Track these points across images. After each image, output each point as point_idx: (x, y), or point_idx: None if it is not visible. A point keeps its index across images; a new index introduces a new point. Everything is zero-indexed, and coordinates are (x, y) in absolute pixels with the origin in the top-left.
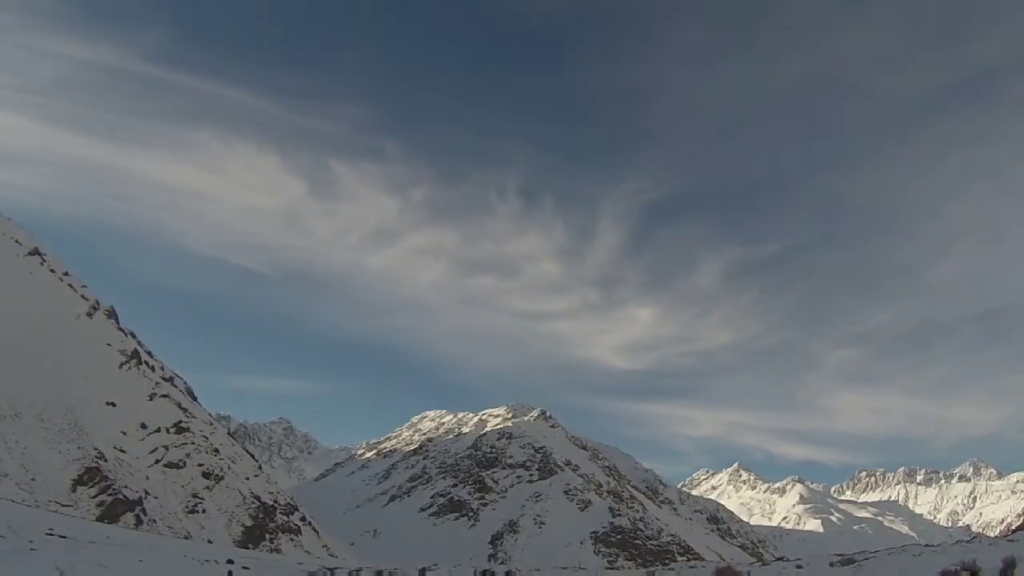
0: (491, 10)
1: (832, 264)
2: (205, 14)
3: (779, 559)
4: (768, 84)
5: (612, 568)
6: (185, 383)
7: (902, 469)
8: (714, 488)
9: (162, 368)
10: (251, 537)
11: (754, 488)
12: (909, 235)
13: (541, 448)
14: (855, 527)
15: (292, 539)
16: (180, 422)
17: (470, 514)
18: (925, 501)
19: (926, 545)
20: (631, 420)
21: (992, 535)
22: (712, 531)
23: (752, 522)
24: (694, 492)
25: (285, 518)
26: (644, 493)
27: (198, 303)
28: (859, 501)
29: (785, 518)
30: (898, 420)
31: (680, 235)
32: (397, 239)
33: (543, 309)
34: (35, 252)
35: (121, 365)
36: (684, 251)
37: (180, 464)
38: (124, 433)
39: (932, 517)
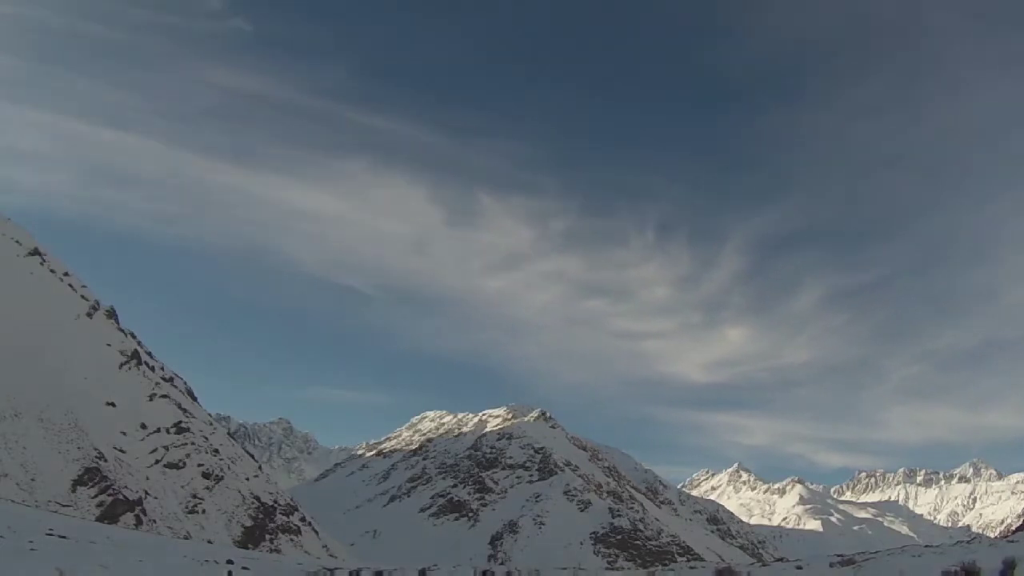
0: (657, 61)
1: (920, 289)
2: (384, 52)
3: (779, 560)
4: (910, 133)
5: (612, 569)
6: (185, 383)
7: (902, 470)
8: (714, 489)
9: (162, 368)
10: (251, 537)
11: (754, 489)
12: (996, 263)
13: (541, 449)
14: (855, 528)
15: (292, 539)
16: (180, 422)
17: (470, 514)
18: (925, 502)
19: (926, 546)
20: (690, 428)
21: (992, 536)
22: (712, 532)
23: (752, 523)
24: (694, 493)
25: (285, 518)
26: (644, 494)
27: (291, 318)
28: (859, 502)
29: (785, 519)
30: (935, 429)
31: (791, 264)
32: (522, 264)
33: (643, 329)
34: (35, 252)
35: (121, 365)
36: (791, 278)
37: (180, 464)
38: (124, 433)
39: (932, 518)
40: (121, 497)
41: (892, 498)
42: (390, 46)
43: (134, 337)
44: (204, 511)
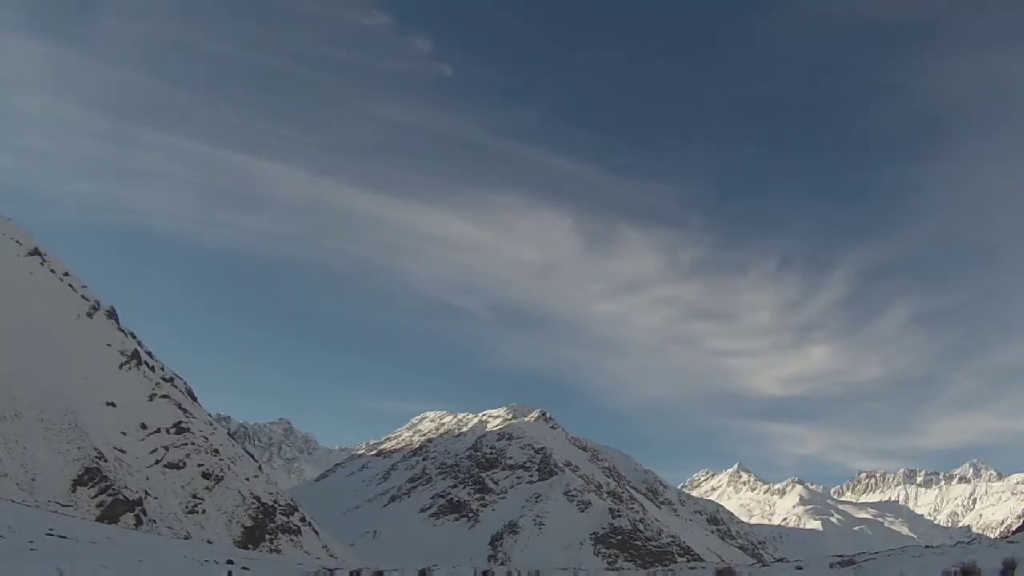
0: (803, 114)
1: (993, 311)
2: (564, 96)
3: (779, 560)
4: (1019, 174)
5: (612, 569)
6: (185, 383)
7: (902, 470)
8: (714, 489)
9: (162, 368)
10: (251, 538)
11: (754, 489)
12: None
13: (541, 449)
14: (855, 528)
15: (292, 540)
16: (180, 422)
17: (470, 515)
18: (925, 502)
19: (926, 546)
20: (748, 437)
21: (992, 536)
22: (712, 532)
23: (752, 523)
24: (694, 493)
25: (285, 519)
26: (644, 494)
27: (390, 335)
28: (859, 502)
29: (785, 519)
30: (969, 435)
31: (884, 289)
32: (643, 290)
33: (736, 348)
34: (35, 252)
35: (121, 365)
36: (881, 302)
37: (180, 464)
38: (124, 433)
39: (932, 518)
40: (121, 497)
41: (892, 499)
42: (571, 91)
43: (134, 337)
44: (204, 511)
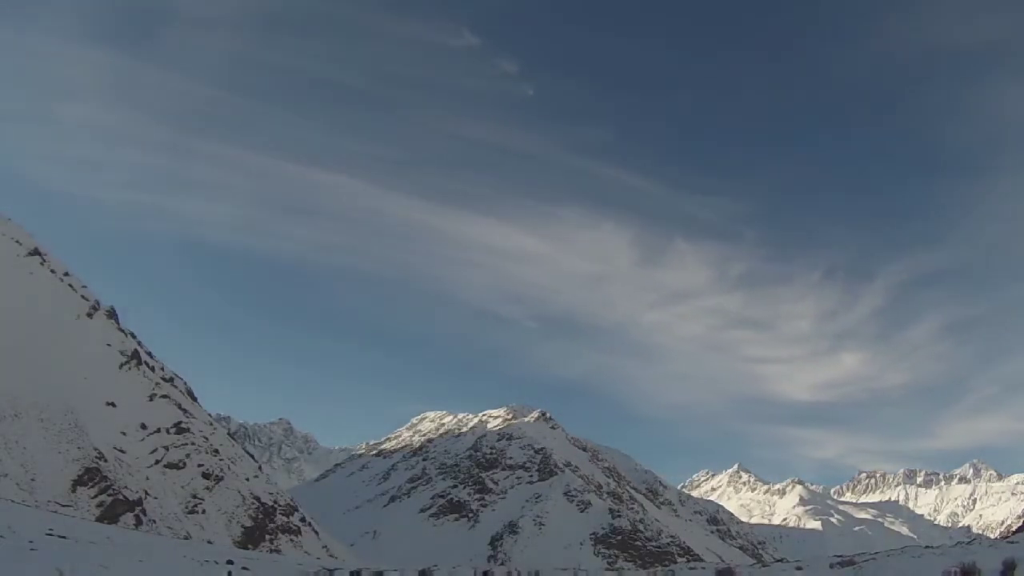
0: (862, 137)
1: (1019, 319)
2: (629, 115)
3: (779, 560)
4: None
5: (612, 569)
6: (185, 383)
7: (902, 470)
8: (714, 490)
9: (162, 368)
10: (251, 538)
11: (754, 490)
12: None
13: (541, 449)
14: (855, 528)
15: (292, 540)
16: (180, 422)
17: (470, 515)
18: (925, 503)
19: (926, 547)
20: (769, 441)
21: (992, 537)
22: (712, 532)
23: (752, 523)
24: (694, 494)
25: (285, 519)
26: (644, 494)
27: (434, 341)
28: (859, 502)
29: (785, 519)
30: (982, 436)
31: (919, 299)
32: (688, 301)
33: (771, 355)
34: (35, 252)
35: (121, 365)
36: (915, 311)
37: (180, 464)
38: (124, 433)
39: (932, 519)
40: (121, 497)
41: (892, 499)
42: (639, 110)
43: (134, 337)
44: (204, 511)
